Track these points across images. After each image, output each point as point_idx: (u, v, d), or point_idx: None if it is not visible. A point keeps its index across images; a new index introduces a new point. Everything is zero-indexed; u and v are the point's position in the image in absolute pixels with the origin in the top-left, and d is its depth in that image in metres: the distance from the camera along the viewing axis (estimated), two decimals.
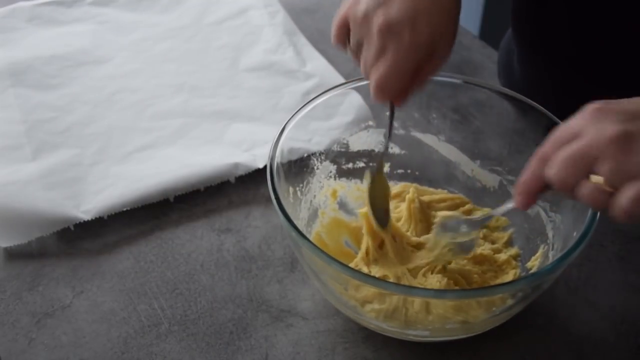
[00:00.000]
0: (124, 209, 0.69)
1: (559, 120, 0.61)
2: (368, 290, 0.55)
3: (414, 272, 0.60)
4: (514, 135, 0.65)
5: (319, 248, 0.52)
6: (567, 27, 0.73)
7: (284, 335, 0.60)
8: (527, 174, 0.49)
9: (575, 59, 0.75)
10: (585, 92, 0.73)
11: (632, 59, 0.71)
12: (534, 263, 0.61)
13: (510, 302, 0.54)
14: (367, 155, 0.70)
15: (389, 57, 0.56)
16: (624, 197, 0.43)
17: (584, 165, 0.45)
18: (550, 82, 0.79)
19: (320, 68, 0.88)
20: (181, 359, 0.58)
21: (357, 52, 0.60)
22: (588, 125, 0.46)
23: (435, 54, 0.58)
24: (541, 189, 0.48)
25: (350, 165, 0.70)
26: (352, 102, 0.75)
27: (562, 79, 0.78)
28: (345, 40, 0.61)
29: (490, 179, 0.68)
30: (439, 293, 0.54)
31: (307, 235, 0.62)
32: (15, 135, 0.77)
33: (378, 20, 0.57)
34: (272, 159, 0.58)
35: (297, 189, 0.64)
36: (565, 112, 0.57)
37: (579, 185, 0.46)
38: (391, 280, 0.59)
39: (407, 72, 0.57)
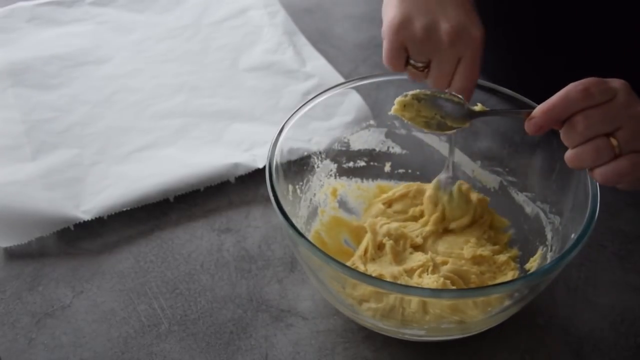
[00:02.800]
0: (124, 209, 0.69)
1: None
2: (365, 289, 0.55)
3: (410, 273, 0.60)
4: (514, 135, 0.65)
5: (315, 246, 0.52)
6: (531, 2, 0.74)
7: (284, 335, 0.60)
8: (551, 110, 0.53)
9: (537, 33, 0.76)
10: (546, 66, 0.73)
11: (594, 32, 0.71)
12: (533, 264, 0.61)
13: (507, 302, 0.54)
14: (368, 154, 0.70)
15: (469, 61, 0.59)
16: (619, 162, 0.51)
17: (608, 128, 0.51)
18: (512, 57, 0.80)
19: (320, 68, 0.88)
20: (181, 359, 0.58)
21: (423, 70, 0.61)
22: (622, 93, 0.52)
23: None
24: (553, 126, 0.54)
25: (350, 164, 0.70)
26: (352, 102, 0.75)
27: (524, 54, 0.78)
28: (404, 63, 0.61)
29: (490, 180, 0.68)
30: (435, 292, 0.54)
31: (306, 234, 0.63)
32: (15, 135, 0.77)
33: (444, 31, 0.58)
34: (270, 158, 0.58)
35: (297, 187, 0.64)
36: (529, 86, 0.58)
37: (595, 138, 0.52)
38: (387, 279, 0.59)
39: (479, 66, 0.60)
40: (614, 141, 0.51)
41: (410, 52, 0.60)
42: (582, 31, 0.72)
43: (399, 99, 0.59)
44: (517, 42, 0.78)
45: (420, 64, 0.60)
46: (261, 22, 0.96)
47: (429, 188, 0.65)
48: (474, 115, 0.59)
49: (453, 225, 0.65)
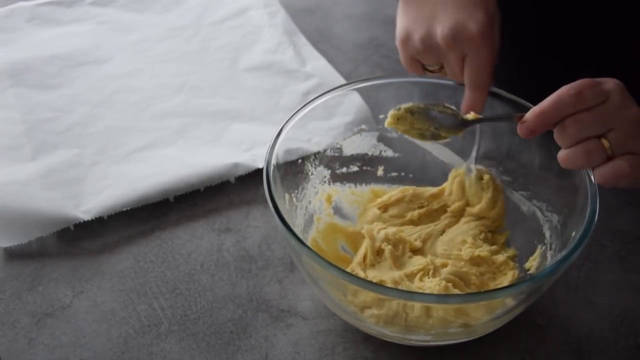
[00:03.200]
0: (124, 209, 0.69)
1: None
2: (367, 296, 0.54)
3: (410, 277, 0.60)
4: (514, 135, 0.65)
5: (317, 254, 0.52)
6: (531, 4, 0.74)
7: (284, 335, 0.60)
8: (543, 114, 0.53)
9: (538, 34, 0.76)
10: (547, 67, 0.73)
11: (594, 34, 0.71)
12: (532, 264, 0.60)
13: (511, 304, 0.54)
14: (361, 159, 0.70)
15: (472, 58, 0.60)
16: (617, 163, 0.52)
17: (599, 130, 0.52)
18: (514, 58, 0.80)
19: (320, 68, 0.88)
20: (181, 359, 0.58)
21: (440, 71, 0.65)
22: (615, 94, 0.52)
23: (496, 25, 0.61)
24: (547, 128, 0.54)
25: (344, 169, 0.69)
26: (352, 102, 0.75)
27: (525, 55, 0.78)
28: (422, 69, 0.65)
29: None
30: (441, 298, 0.54)
31: (304, 242, 0.62)
32: (15, 135, 0.77)
33: (440, 37, 0.60)
34: (268, 163, 0.58)
35: (293, 195, 0.64)
36: (530, 87, 0.58)
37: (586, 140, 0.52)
38: (389, 285, 0.58)
39: (493, 58, 0.60)
40: (605, 143, 0.52)
41: (424, 62, 0.64)
42: (582, 32, 0.72)
43: (392, 112, 0.61)
44: (518, 42, 0.78)
45: (434, 67, 0.65)
46: (261, 22, 0.96)
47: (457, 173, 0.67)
48: (467, 124, 0.60)
49: (470, 211, 0.66)
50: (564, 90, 0.52)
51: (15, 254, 0.66)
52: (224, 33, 0.94)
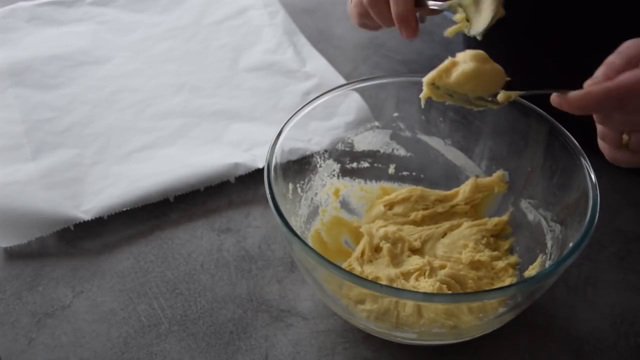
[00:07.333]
0: (124, 209, 0.69)
1: (558, 123, 0.60)
2: (361, 290, 0.54)
3: (406, 276, 0.60)
4: (514, 135, 0.65)
5: (309, 246, 0.52)
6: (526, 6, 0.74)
7: (284, 335, 0.60)
8: (581, 108, 0.50)
9: (527, 22, 0.75)
10: (536, 54, 0.74)
11: (582, 22, 0.71)
12: (531, 272, 0.60)
13: (501, 309, 0.54)
14: (372, 155, 0.70)
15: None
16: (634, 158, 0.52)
17: (624, 129, 0.51)
18: (503, 46, 0.80)
19: (320, 68, 0.88)
20: (181, 359, 0.58)
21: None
22: None
23: None
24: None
25: (354, 164, 0.69)
26: (352, 102, 0.75)
27: (514, 41, 0.78)
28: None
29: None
30: (427, 296, 0.53)
31: (305, 232, 0.63)
32: (15, 135, 0.77)
33: None
34: (269, 158, 0.58)
35: (298, 185, 0.64)
36: (519, 74, 0.58)
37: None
38: (383, 282, 0.58)
39: None
40: (625, 137, 0.51)
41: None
42: (575, 33, 0.72)
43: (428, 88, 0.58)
44: (512, 43, 0.78)
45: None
46: (261, 22, 0.96)
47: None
48: (502, 103, 0.56)
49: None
50: (611, 90, 0.49)
51: (15, 254, 0.66)
52: (224, 33, 0.95)
